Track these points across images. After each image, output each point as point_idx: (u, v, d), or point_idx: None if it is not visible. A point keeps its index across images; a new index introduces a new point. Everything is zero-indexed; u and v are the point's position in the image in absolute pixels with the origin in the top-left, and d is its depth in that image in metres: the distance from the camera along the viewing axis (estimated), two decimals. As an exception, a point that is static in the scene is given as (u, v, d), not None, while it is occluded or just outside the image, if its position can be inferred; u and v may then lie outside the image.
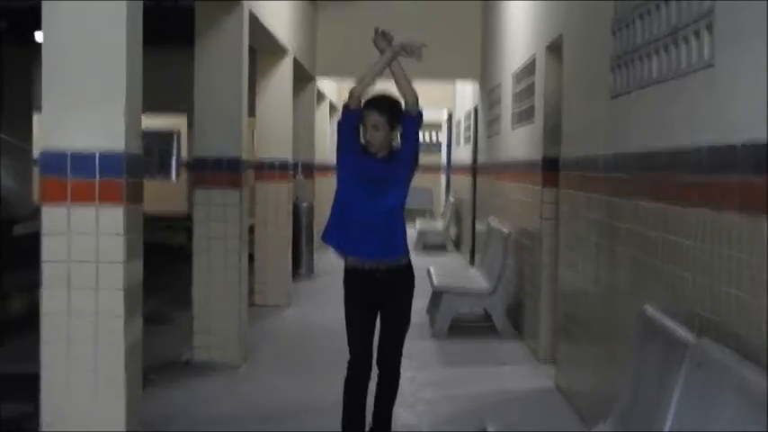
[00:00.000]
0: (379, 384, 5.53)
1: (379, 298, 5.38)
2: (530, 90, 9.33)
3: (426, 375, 7.96)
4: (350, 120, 5.35)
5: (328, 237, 5.44)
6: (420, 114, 5.32)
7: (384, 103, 5.32)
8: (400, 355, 5.52)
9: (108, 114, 4.73)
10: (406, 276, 5.44)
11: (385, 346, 5.46)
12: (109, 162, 4.71)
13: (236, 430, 6.31)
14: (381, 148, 5.35)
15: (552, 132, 8.10)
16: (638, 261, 4.98)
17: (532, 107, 9.09)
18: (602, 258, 5.87)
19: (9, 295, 9.96)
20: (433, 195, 27.61)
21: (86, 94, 4.74)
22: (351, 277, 5.41)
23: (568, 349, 7.07)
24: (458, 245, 19.17)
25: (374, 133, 5.30)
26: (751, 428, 2.78)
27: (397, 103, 5.34)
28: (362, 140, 5.36)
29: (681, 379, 3.50)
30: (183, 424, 6.37)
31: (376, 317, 5.43)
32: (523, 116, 9.73)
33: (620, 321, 5.26)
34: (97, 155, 4.71)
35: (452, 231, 19.90)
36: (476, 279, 10.59)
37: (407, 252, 5.46)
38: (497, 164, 12.02)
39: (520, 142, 9.90)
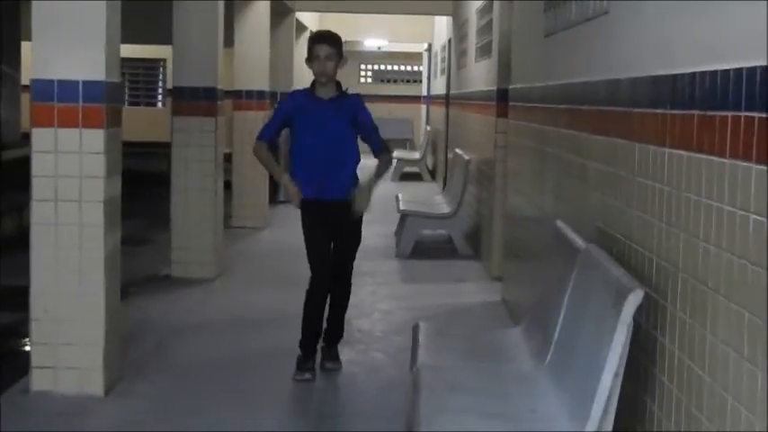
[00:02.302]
0: (332, 295, 6.10)
1: (334, 221, 5.94)
2: (489, 26, 9.88)
3: (386, 290, 8.61)
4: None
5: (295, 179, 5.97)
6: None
7: (332, 37, 5.88)
8: (352, 268, 6.15)
9: (90, 48, 5.31)
10: None
11: (340, 262, 6.05)
12: (91, 89, 5.31)
13: (212, 335, 6.94)
14: (331, 77, 5.88)
15: (506, 67, 8.65)
16: (559, 183, 5.62)
17: (490, 42, 9.64)
18: (536, 182, 6.51)
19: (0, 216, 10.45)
20: (413, 126, 27.98)
21: (72, 32, 5.30)
22: (308, 205, 5.95)
23: (512, 267, 7.74)
24: (433, 174, 19.67)
25: (327, 63, 5.81)
26: (608, 312, 3.44)
27: (339, 36, 5.93)
28: (313, 71, 5.90)
29: (572, 279, 4.17)
30: (161, 330, 6.98)
31: (331, 236, 6.02)
32: (484, 50, 10.28)
33: (547, 239, 5.90)
34: (80, 82, 5.31)
35: (429, 161, 20.33)
36: (439, 204, 11.23)
37: (358, 180, 6.00)
38: (464, 95, 12.58)
39: (480, 75, 10.48)
